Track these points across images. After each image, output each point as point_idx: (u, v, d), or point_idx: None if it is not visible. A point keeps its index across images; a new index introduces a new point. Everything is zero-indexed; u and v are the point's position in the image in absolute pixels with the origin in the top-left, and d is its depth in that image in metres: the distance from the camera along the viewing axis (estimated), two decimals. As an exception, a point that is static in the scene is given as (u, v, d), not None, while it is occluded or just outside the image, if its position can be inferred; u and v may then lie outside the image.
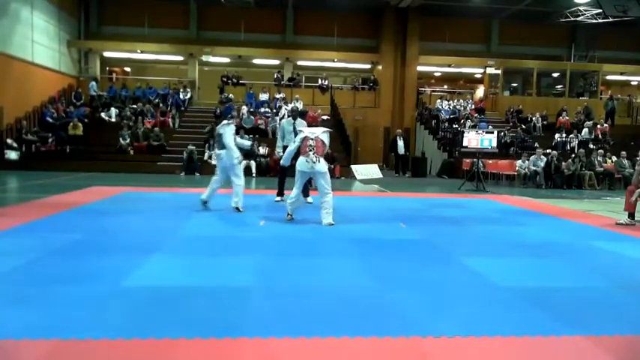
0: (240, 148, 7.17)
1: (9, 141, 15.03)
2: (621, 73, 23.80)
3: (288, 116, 9.16)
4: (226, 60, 22.07)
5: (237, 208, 6.94)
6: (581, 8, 20.41)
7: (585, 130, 18.40)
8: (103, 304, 3.05)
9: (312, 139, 6.08)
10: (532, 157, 14.14)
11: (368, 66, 22.93)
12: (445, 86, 26.80)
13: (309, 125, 6.47)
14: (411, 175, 16.52)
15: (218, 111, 18.36)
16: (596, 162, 14.49)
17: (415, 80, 21.57)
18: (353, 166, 15.95)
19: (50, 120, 16.51)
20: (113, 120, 17.62)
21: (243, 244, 4.91)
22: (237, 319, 2.85)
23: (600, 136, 18.37)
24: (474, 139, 12.41)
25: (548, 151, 15.18)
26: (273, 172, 14.82)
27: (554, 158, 14.03)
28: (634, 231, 6.30)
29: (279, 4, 21.13)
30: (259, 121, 17.60)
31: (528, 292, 3.52)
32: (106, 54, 21.64)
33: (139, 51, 21.31)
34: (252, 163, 14.88)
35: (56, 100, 17.79)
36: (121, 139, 15.78)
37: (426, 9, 20.65)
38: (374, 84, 21.67)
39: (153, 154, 15.83)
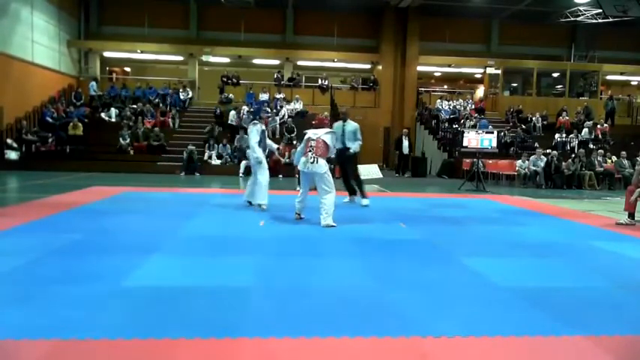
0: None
1: (9, 141, 15.04)
2: (621, 73, 23.80)
3: (337, 119, 9.42)
4: (226, 60, 22.07)
5: (259, 205, 7.09)
6: (581, 8, 20.41)
7: (585, 130, 18.40)
8: (103, 304, 3.05)
9: (313, 140, 6.10)
10: (532, 157, 14.14)
11: (368, 66, 22.93)
12: (445, 86, 26.81)
13: (316, 128, 6.27)
14: (411, 175, 16.52)
15: (218, 111, 18.36)
16: (596, 162, 14.49)
17: (415, 80, 21.56)
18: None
19: (50, 120, 16.52)
20: (113, 120, 17.63)
21: (243, 244, 4.91)
22: (237, 319, 2.85)
23: (600, 136, 18.38)
24: (474, 139, 12.41)
25: (548, 151, 15.18)
26: (273, 172, 14.83)
27: (555, 158, 14.03)
28: (634, 231, 6.30)
29: (279, 4, 21.13)
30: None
31: (528, 292, 3.52)
32: (106, 54, 21.64)
33: (139, 51, 21.31)
34: (252, 163, 14.88)
35: (56, 100, 17.80)
36: (121, 139, 15.78)
37: (426, 9, 20.65)
38: (374, 84, 21.67)
39: (153, 154, 15.83)
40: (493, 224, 6.69)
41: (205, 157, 15.68)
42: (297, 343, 2.55)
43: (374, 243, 5.17)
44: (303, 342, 2.56)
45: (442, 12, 21.22)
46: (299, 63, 22.28)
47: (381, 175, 15.84)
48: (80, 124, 16.51)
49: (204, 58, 21.38)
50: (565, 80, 22.60)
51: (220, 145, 15.92)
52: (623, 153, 14.41)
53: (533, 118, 19.72)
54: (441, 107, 20.47)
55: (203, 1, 20.96)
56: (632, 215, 6.85)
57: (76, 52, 20.52)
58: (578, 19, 21.15)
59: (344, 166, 8.44)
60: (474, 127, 16.87)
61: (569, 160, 14.28)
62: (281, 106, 18.98)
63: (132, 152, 15.81)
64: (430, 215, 7.31)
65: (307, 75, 22.86)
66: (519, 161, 14.39)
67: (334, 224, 5.89)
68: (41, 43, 17.45)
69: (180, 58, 21.97)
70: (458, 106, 20.74)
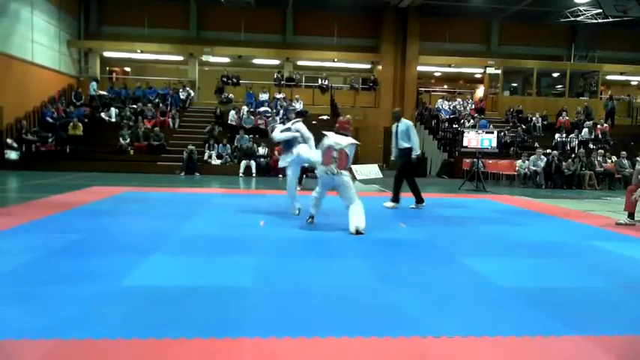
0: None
1: (9, 141, 15.04)
2: (621, 73, 23.81)
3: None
4: (226, 60, 22.08)
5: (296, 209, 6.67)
6: (581, 8, 20.41)
7: (585, 130, 18.41)
8: (103, 304, 3.05)
9: (335, 151, 5.60)
10: (532, 157, 14.14)
11: (368, 66, 22.93)
12: (445, 86, 26.82)
13: (338, 133, 5.80)
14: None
15: (218, 111, 18.36)
16: (596, 162, 14.49)
17: (415, 80, 21.57)
18: (353, 166, 15.91)
19: (50, 120, 16.52)
20: (113, 120, 17.63)
21: (243, 244, 4.90)
22: (237, 319, 2.85)
23: (600, 136, 18.38)
24: (474, 139, 12.42)
25: (548, 151, 15.19)
26: (273, 172, 14.85)
27: (555, 158, 14.04)
28: (634, 231, 6.30)
29: (279, 4, 21.13)
30: (259, 121, 17.60)
31: (528, 292, 3.52)
32: (106, 54, 21.65)
33: (139, 51, 21.32)
34: (252, 163, 14.89)
35: (56, 100, 17.80)
36: (121, 139, 15.78)
37: (426, 9, 20.65)
38: (374, 84, 21.67)
39: (153, 154, 15.83)
40: (493, 224, 6.69)
41: (205, 157, 15.68)
42: (297, 343, 2.55)
43: (374, 243, 5.17)
44: (303, 342, 2.56)
45: (442, 12, 21.22)
46: (299, 63, 22.29)
47: (381, 175, 15.84)
48: (80, 124, 16.51)
49: (204, 58, 21.39)
50: (565, 80, 22.60)
51: (220, 145, 15.92)
52: (623, 153, 14.42)
53: (533, 118, 19.73)
54: (441, 107, 20.47)
55: (203, 1, 20.96)
56: (632, 215, 6.85)
57: (76, 52, 20.52)
58: (578, 19, 21.16)
59: (400, 168, 7.94)
60: (473, 127, 16.87)
61: (569, 160, 14.28)
62: (281, 106, 18.98)
63: (132, 152, 15.80)
64: (430, 215, 7.31)
65: (307, 75, 22.87)
66: (519, 161, 14.39)
67: (363, 231, 5.44)
68: (41, 43, 17.45)
69: (180, 58, 21.98)
70: (458, 106, 20.74)
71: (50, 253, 4.29)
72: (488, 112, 21.41)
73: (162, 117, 17.91)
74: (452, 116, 19.85)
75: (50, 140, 15.67)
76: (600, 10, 18.39)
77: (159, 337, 2.54)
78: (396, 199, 7.85)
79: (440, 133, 19.17)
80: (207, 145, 16.00)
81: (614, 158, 14.87)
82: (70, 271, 3.75)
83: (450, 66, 23.07)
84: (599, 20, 20.71)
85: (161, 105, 18.88)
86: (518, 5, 20.58)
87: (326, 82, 21.44)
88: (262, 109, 18.44)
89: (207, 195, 9.52)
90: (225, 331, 2.64)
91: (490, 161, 14.89)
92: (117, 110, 17.93)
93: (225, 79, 20.79)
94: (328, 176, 5.65)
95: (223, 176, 14.25)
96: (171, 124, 17.85)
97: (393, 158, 8.13)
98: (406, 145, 7.70)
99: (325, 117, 18.82)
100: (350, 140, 5.73)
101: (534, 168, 13.85)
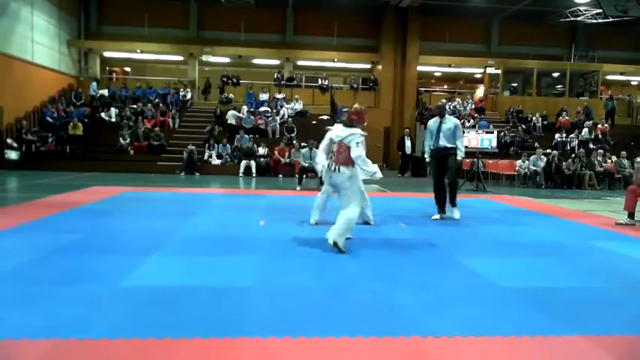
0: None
1: (9, 141, 15.04)
2: (621, 73, 23.80)
3: (431, 115, 7.89)
4: (226, 60, 22.07)
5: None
6: (581, 8, 20.41)
7: (585, 130, 18.41)
8: (103, 304, 3.05)
9: (335, 144, 4.94)
10: (532, 157, 14.14)
11: (368, 66, 22.92)
12: (445, 86, 26.81)
13: (349, 126, 5.02)
14: (411, 175, 16.51)
15: (219, 111, 18.36)
16: (596, 162, 14.49)
17: (415, 80, 21.55)
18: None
19: (50, 120, 16.52)
20: (113, 120, 17.63)
21: (243, 244, 4.90)
22: (237, 319, 2.85)
23: (600, 136, 18.38)
24: (474, 139, 12.42)
25: (548, 151, 15.18)
26: (273, 172, 14.84)
27: (555, 158, 14.04)
28: (634, 231, 6.30)
29: (279, 4, 21.13)
30: (259, 121, 17.60)
31: (528, 292, 3.52)
32: (106, 54, 21.65)
33: (139, 51, 21.31)
34: (252, 163, 14.89)
35: (56, 100, 17.81)
36: (121, 139, 15.78)
37: (426, 9, 20.64)
38: (374, 84, 21.67)
39: (153, 154, 15.83)
40: (493, 224, 6.69)
41: (205, 157, 15.68)
42: (297, 343, 2.55)
43: (374, 243, 5.17)
44: (303, 342, 2.56)
45: (442, 12, 21.22)
46: (299, 63, 22.28)
47: (381, 175, 15.79)
48: (80, 124, 16.51)
49: (204, 58, 21.38)
50: (565, 80, 22.59)
51: (220, 145, 15.92)
52: (623, 153, 14.41)
53: (533, 118, 19.72)
54: (441, 107, 20.44)
55: (203, 1, 20.95)
56: (632, 215, 6.85)
57: (76, 52, 20.51)
58: (578, 19, 21.15)
59: (439, 170, 7.16)
60: (474, 127, 16.87)
61: (570, 160, 14.28)
62: (281, 106, 19.00)
63: (132, 152, 15.80)
64: (430, 215, 7.30)
65: (307, 75, 22.86)
66: (519, 161, 14.39)
67: (343, 249, 4.55)
68: (41, 43, 17.45)
69: (180, 58, 21.98)
70: (458, 106, 20.73)
71: (50, 253, 4.28)
72: (488, 112, 21.41)
73: (163, 117, 17.92)
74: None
75: (50, 140, 15.67)
76: (600, 10, 18.37)
77: (159, 337, 2.54)
78: (447, 207, 7.03)
79: (440, 133, 19.13)
80: (207, 145, 16.00)
81: (614, 158, 14.87)
82: (70, 271, 3.75)
83: (450, 66, 23.06)
84: (599, 20, 20.71)
85: (161, 105, 18.89)
86: (518, 5, 20.57)
87: (326, 82, 21.44)
88: (262, 108, 18.47)
89: (207, 195, 9.52)
90: (225, 331, 2.64)
91: (490, 161, 14.88)
92: (117, 110, 17.94)
93: (225, 79, 20.80)
94: (327, 173, 5.06)
95: (223, 176, 14.25)
96: (171, 124, 17.85)
97: (427, 159, 7.28)
98: (450, 145, 6.86)
99: (325, 117, 18.80)
100: (351, 130, 4.92)
101: (534, 168, 13.85)
